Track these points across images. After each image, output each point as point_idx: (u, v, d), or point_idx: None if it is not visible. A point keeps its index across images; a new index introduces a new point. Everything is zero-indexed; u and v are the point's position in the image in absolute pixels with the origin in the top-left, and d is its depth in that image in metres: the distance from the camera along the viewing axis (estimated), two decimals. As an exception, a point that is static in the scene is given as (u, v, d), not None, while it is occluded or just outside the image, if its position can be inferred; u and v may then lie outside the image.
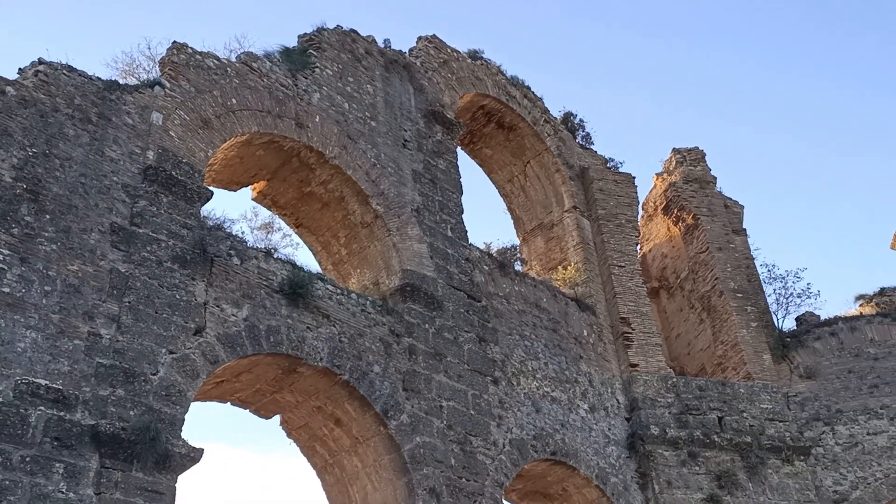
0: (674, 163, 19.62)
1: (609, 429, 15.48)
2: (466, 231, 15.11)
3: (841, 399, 17.66)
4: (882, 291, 19.10)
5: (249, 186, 14.16)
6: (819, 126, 51.41)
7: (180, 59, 12.05)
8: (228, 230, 11.69)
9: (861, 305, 19.14)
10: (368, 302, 12.92)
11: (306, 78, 13.92)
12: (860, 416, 17.45)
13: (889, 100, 50.09)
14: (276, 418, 12.62)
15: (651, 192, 20.43)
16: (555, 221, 17.44)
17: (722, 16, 51.36)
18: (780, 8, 50.11)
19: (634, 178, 18.43)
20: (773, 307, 18.79)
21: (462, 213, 15.20)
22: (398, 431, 12.16)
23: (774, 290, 19.04)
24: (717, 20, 51.78)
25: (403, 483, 12.06)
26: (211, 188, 11.81)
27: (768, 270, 19.26)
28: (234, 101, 12.54)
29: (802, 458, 16.37)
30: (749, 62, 51.67)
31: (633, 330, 16.54)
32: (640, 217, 19.60)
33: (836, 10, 50.43)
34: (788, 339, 18.23)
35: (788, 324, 18.75)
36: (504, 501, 13.65)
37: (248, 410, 12.45)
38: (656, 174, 20.07)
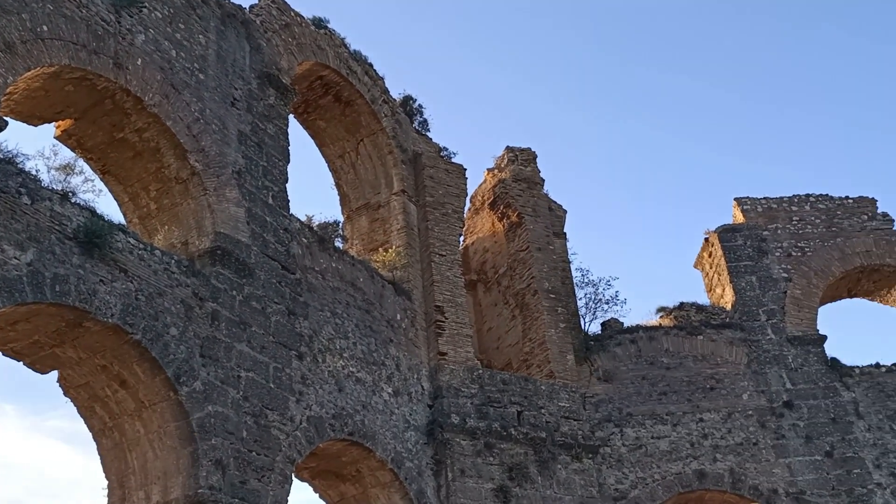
0: (506, 160, 20.47)
1: (410, 414, 15.95)
2: (289, 201, 15.05)
3: (632, 403, 19.13)
4: (681, 306, 20.84)
5: (53, 123, 13.38)
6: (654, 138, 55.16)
7: (-16, -27, 11.21)
8: (21, 166, 11.03)
9: (661, 317, 20.80)
10: (174, 261, 12.61)
11: (132, 17, 13.33)
12: (647, 420, 18.99)
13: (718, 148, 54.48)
14: (54, 374, 12.03)
15: (481, 186, 21.19)
16: (381, 203, 17.72)
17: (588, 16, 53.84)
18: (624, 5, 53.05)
19: (466, 169, 19.10)
20: (582, 311, 20.09)
21: (287, 181, 15.12)
22: (189, 398, 11.95)
23: (586, 294, 20.40)
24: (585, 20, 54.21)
25: (188, 452, 11.87)
26: (6, 118, 11.12)
27: (582, 275, 20.60)
28: (45, 27, 11.81)
29: (591, 456, 17.59)
30: (606, 58, 54.43)
31: (447, 319, 17.11)
32: (466, 209, 20.29)
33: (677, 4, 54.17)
34: (592, 343, 19.53)
35: (594, 328, 20.11)
36: (294, 478, 13.75)
37: (22, 363, 11.79)
38: (488, 169, 20.86)
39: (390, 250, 16.95)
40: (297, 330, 14.19)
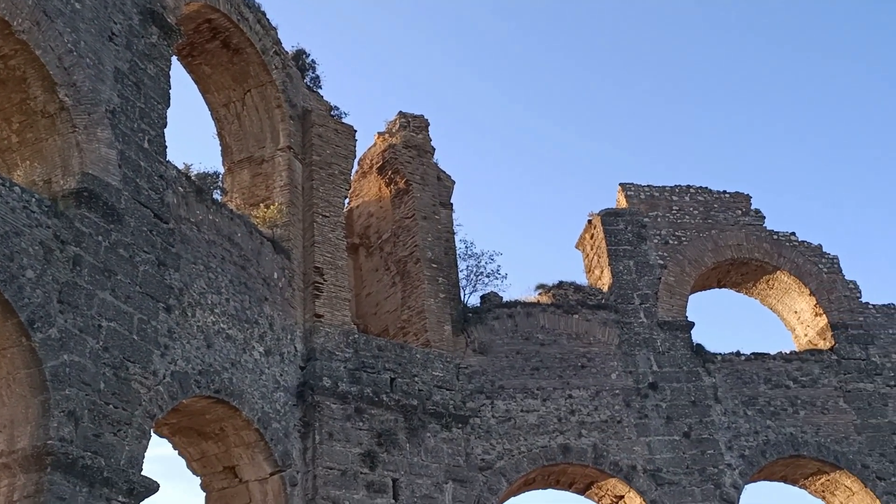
0: (398, 125, 20.47)
1: (281, 374, 15.86)
2: (166, 147, 14.57)
3: (505, 376, 19.68)
4: (560, 284, 21.51)
5: None
6: (550, 116, 56.40)
7: None
8: None
9: (540, 294, 21.41)
10: (34, 200, 12.02)
11: (2, -68, 12.51)
12: (518, 394, 19.59)
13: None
14: None
15: (370, 149, 21.12)
16: (266, 157, 17.40)
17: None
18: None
19: (356, 131, 18.97)
20: (463, 282, 20.45)
21: (165, 126, 14.63)
22: (43, 346, 11.49)
23: (468, 266, 20.75)
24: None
25: (39, 402, 11.43)
26: None
27: (466, 247, 20.93)
28: None
29: (460, 426, 18.01)
30: (509, 38, 55.07)
31: (325, 281, 17.05)
32: (354, 171, 20.21)
33: None
34: (470, 315, 19.91)
35: (474, 300, 20.50)
36: (153, 434, 13.48)
37: None
38: (379, 133, 20.80)
39: (272, 207, 16.70)
40: (166, 282, 13.82)
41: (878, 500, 20.67)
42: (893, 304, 23.84)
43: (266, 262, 16.23)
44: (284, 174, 17.19)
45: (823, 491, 22.01)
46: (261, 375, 15.31)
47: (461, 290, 20.27)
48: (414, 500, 16.35)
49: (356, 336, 17.27)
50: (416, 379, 17.71)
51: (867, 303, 23.68)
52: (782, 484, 22.22)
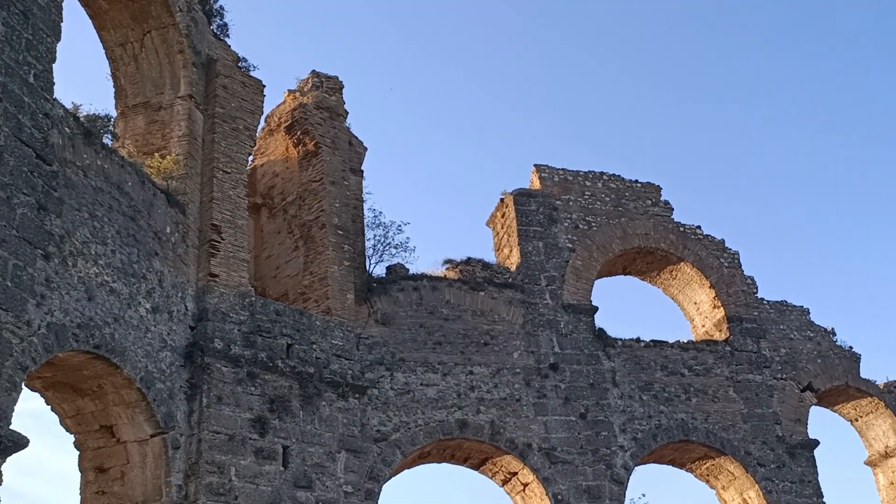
0: (310, 84, 19.77)
1: (169, 333, 15.06)
2: (54, 83, 13.50)
3: (407, 349, 19.34)
4: (468, 261, 21.28)
5: None
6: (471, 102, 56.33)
7: None
8: None
9: (447, 269, 21.13)
10: None
11: None
12: (419, 367, 19.29)
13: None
14: None
15: (279, 106, 20.34)
16: (164, 105, 16.44)
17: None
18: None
19: (265, 86, 18.17)
20: (369, 252, 19.97)
21: (54, 61, 13.54)
22: None
23: (375, 236, 20.29)
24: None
25: None
26: None
27: (374, 216, 20.46)
28: None
29: (357, 396, 17.57)
30: (429, 6, 54.55)
31: (223, 240, 16.30)
32: (260, 128, 19.44)
33: None
34: (375, 285, 19.48)
35: (379, 271, 20.08)
36: (25, 387, 12.57)
37: None
38: (289, 91, 20.03)
39: (168, 158, 15.80)
40: (46, 227, 12.86)
41: (756, 485, 21.34)
42: (786, 302, 24.63)
43: (158, 215, 15.35)
44: (184, 124, 16.28)
45: (708, 475, 22.58)
46: (146, 333, 14.49)
47: (367, 260, 19.80)
48: (304, 468, 15.84)
49: (253, 299, 16.59)
50: (315, 346, 17.15)
51: (762, 298, 24.39)
52: (670, 467, 22.71)
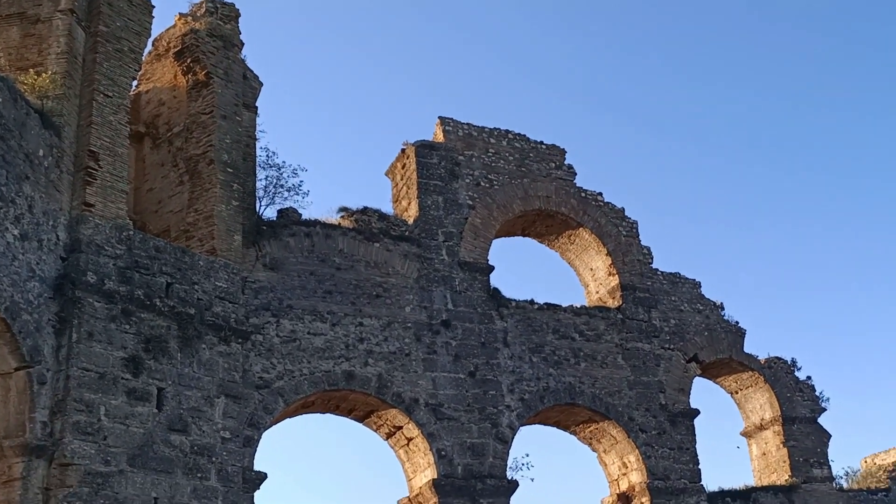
0: (204, 9, 19.29)
1: (38, 263, 14.65)
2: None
3: (295, 296, 19.41)
4: (365, 210, 21.39)
5: None
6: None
7: None
8: None
9: (342, 217, 21.20)
10: None
11: None
12: (307, 315, 19.41)
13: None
14: None
15: (168, 30, 19.77)
16: (42, 17, 15.74)
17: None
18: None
19: (154, 7, 17.63)
20: (260, 193, 19.78)
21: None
22: None
23: (267, 176, 20.10)
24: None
25: None
26: None
27: (267, 156, 20.24)
28: None
29: (241, 341, 17.58)
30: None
31: (100, 168, 15.88)
32: (147, 52, 18.90)
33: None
34: (265, 228, 19.38)
35: (270, 214, 19.93)
36: None
37: None
38: (180, 14, 19.47)
39: (44, 75, 15.21)
40: None
41: (637, 450, 22.60)
42: (679, 274, 25.92)
43: (31, 136, 14.81)
44: (63, 40, 15.68)
45: (591, 438, 23.73)
46: (13, 261, 14.06)
47: (257, 201, 19.62)
48: (180, 411, 15.80)
49: (131, 233, 16.27)
50: (197, 287, 17.02)
51: (657, 269, 25.59)
52: (555, 429, 23.72)
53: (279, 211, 19.97)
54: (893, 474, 28.02)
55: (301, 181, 20.68)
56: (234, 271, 17.92)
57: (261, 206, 19.68)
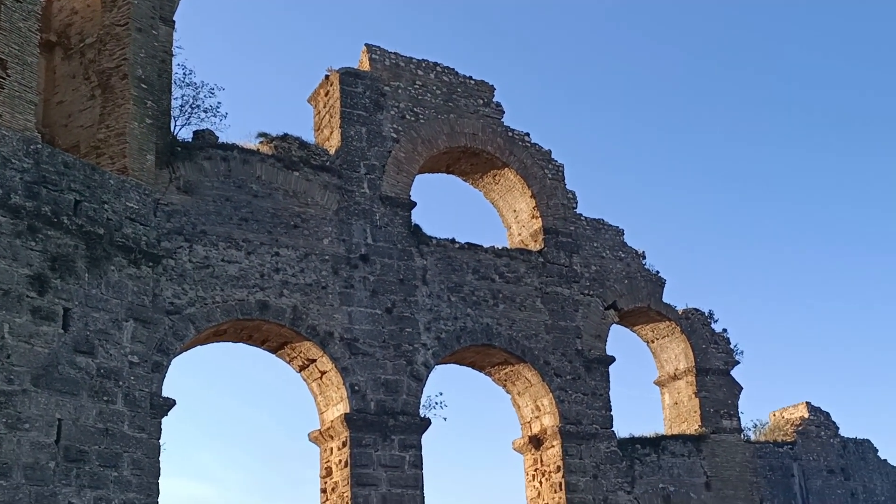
0: (122, -83, 19.30)
1: (-62, 171, 14.87)
2: None
3: (210, 222, 19.96)
4: (285, 137, 21.90)
5: None
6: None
7: None
8: None
9: (261, 143, 21.67)
10: None
11: None
12: (222, 242, 20.01)
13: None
14: None
15: (84, -67, 19.77)
16: (-56, -89, 15.69)
17: None
18: None
19: None
20: (175, 112, 20.11)
21: None
22: None
23: (183, 95, 20.41)
24: None
25: None
26: None
27: (184, 74, 20.52)
28: None
29: (151, 264, 18.08)
30: None
31: (8, 77, 15.96)
32: (61, -45, 18.92)
33: None
34: (179, 149, 19.76)
35: (185, 134, 20.28)
36: None
37: None
38: (97, -84, 19.49)
39: (-51, -26, 15.25)
40: None
41: (551, 394, 24.13)
42: (603, 220, 27.32)
43: (-66, 37, 14.91)
44: (-31, -62, 15.66)
45: (506, 380, 25.16)
46: (-89, 168, 14.27)
47: (172, 121, 19.93)
48: (87, 332, 16.32)
49: (39, 146, 16.50)
50: (107, 207, 17.40)
51: (580, 214, 26.91)
52: (470, 369, 25.06)
53: (195, 132, 20.33)
54: (800, 428, 30.52)
55: (219, 102, 21.06)
56: (146, 192, 18.32)
57: (176, 126, 20.04)
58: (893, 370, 63.76)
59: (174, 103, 20.09)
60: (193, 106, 20.39)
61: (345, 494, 20.44)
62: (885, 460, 31.99)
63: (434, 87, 24.99)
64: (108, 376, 16.57)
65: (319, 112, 23.94)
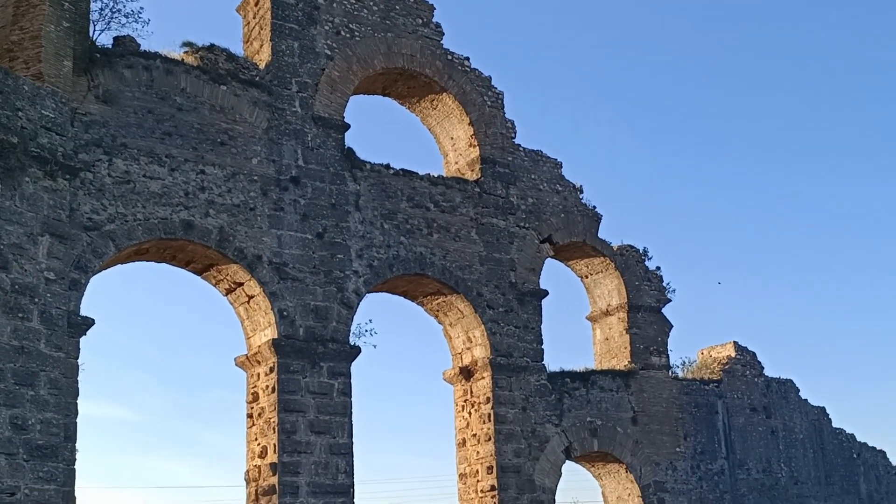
0: None
1: None
2: None
3: (130, 135, 19.57)
4: (212, 48, 21.41)
5: None
6: None
7: None
8: None
9: (186, 53, 21.17)
10: None
11: None
12: (143, 157, 19.67)
13: None
14: None
15: None
16: None
17: None
18: None
19: None
20: (94, 16, 19.47)
21: None
22: None
23: (103, -1, 19.77)
24: None
25: None
26: None
27: (104, -26, 19.84)
28: None
29: (68, 177, 17.71)
30: None
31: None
32: None
33: None
34: (98, 56, 19.22)
35: (105, 40, 19.70)
36: None
37: None
38: None
39: None
40: None
41: (483, 326, 24.65)
42: (541, 152, 27.63)
43: None
44: None
45: (438, 311, 25.57)
46: None
47: (91, 25, 19.32)
48: (0, 247, 16.00)
49: (-54, 44, 15.96)
50: (20, 115, 16.90)
51: (519, 145, 27.17)
52: (402, 298, 25.36)
53: (115, 38, 19.77)
54: (726, 367, 31.83)
55: (141, 7, 20.51)
56: (63, 101, 17.84)
57: (95, 31, 19.44)
58: (819, 311, 66.70)
59: (93, 6, 19.46)
60: (114, 10, 19.85)
61: (272, 420, 20.66)
62: (806, 400, 33.65)
63: (371, 3, 24.69)
64: (23, 292, 16.33)
65: (249, 23, 23.46)
